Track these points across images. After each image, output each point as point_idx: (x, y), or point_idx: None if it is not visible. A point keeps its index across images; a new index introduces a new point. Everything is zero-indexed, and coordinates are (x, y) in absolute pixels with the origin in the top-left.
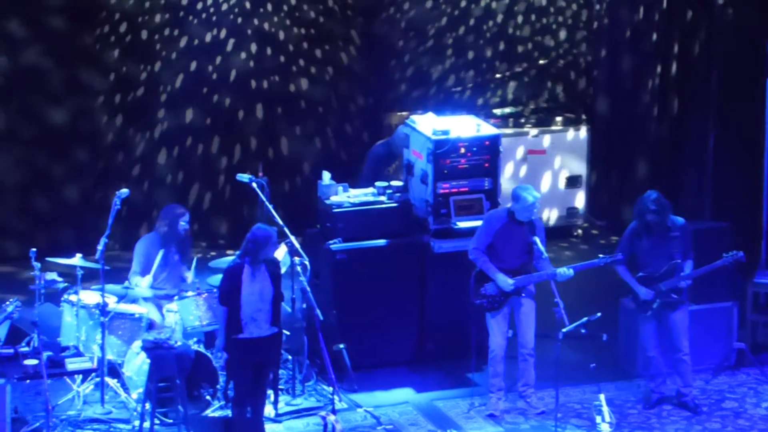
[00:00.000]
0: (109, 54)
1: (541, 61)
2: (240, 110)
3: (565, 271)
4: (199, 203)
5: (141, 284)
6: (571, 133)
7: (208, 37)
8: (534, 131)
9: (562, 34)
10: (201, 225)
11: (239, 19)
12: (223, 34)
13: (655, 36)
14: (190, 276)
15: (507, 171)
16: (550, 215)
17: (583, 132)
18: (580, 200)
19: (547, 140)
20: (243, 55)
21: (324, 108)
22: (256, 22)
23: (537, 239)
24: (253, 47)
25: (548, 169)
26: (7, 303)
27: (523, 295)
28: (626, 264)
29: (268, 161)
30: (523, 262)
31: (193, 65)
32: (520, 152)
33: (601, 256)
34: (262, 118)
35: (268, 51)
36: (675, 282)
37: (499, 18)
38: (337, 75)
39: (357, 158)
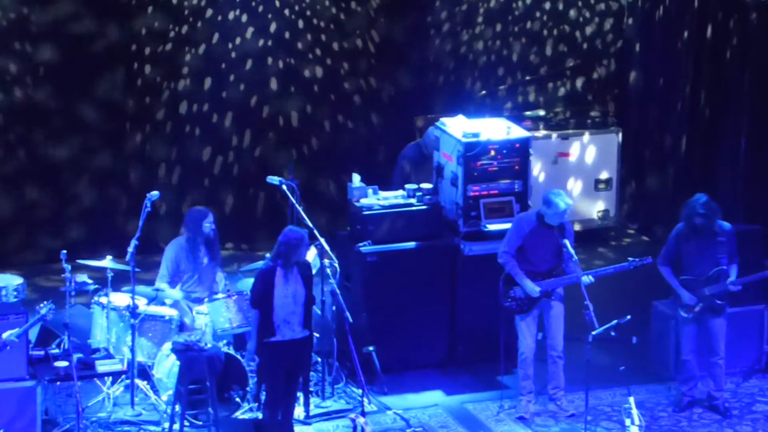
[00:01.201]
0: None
1: (572, 64)
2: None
3: (586, 278)
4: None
5: (167, 291)
6: (602, 135)
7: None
8: (565, 134)
9: (594, 37)
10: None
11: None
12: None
13: (687, 38)
14: (221, 282)
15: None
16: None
17: (613, 134)
18: (610, 203)
19: (577, 142)
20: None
21: (353, 111)
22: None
23: (567, 242)
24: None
25: (578, 171)
26: (41, 305)
27: (552, 297)
28: (671, 266)
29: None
30: (552, 266)
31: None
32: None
33: (630, 259)
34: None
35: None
36: (720, 288)
37: (530, 20)
38: (367, 76)
39: (387, 160)
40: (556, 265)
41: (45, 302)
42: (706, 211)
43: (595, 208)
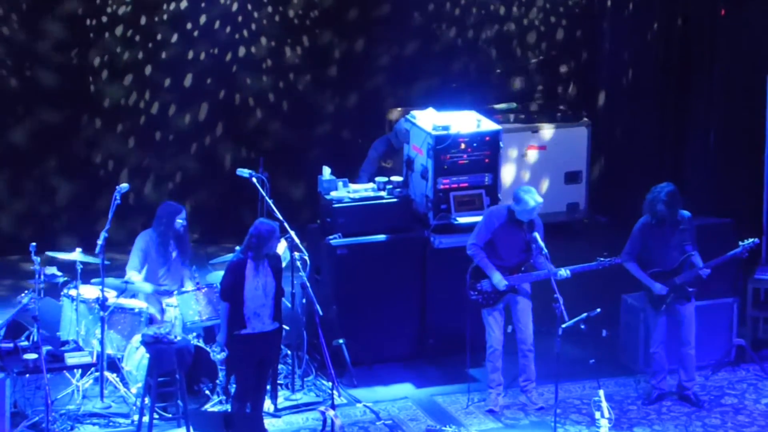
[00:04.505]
0: None
1: (541, 56)
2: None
3: (563, 272)
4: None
5: (133, 278)
6: (571, 128)
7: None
8: (534, 127)
9: (563, 29)
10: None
11: None
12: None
13: (656, 31)
14: (190, 286)
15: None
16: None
17: (583, 127)
18: (580, 196)
19: (547, 135)
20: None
21: (322, 105)
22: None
23: (537, 235)
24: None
25: (548, 164)
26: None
27: (519, 293)
28: (636, 260)
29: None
30: (520, 261)
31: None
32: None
33: (599, 259)
34: (257, 108)
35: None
36: (690, 275)
37: (500, 12)
38: (335, 68)
39: (357, 153)
40: (525, 260)
41: (25, 291)
42: (670, 200)
43: (565, 201)
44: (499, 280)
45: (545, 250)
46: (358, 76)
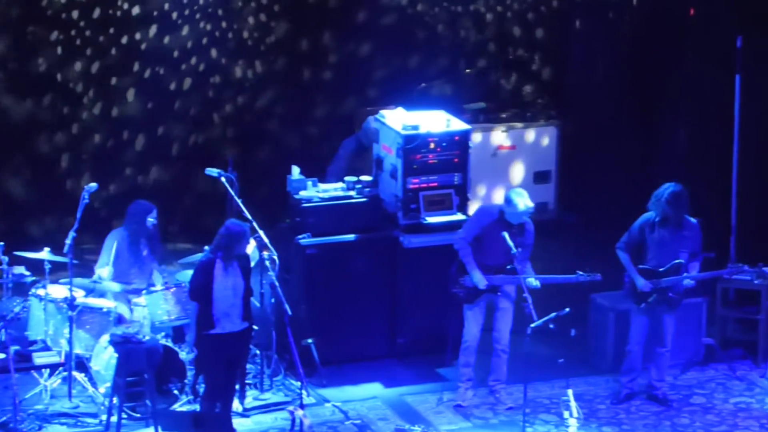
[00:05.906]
0: None
1: (511, 56)
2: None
3: (533, 281)
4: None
5: (102, 274)
6: (540, 128)
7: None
8: (503, 127)
9: (534, 29)
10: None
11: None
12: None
13: (626, 30)
14: (159, 281)
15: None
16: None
17: (552, 127)
18: (549, 196)
19: (517, 135)
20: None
21: (292, 104)
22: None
23: (506, 234)
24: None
25: (517, 164)
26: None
27: (500, 294)
28: (630, 253)
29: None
30: (504, 262)
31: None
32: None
33: (579, 273)
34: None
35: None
36: (677, 281)
37: (471, 11)
38: (307, 68)
39: (327, 153)
40: (509, 262)
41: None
42: (673, 200)
43: (534, 201)
44: (479, 278)
45: (514, 250)
46: (327, 74)
